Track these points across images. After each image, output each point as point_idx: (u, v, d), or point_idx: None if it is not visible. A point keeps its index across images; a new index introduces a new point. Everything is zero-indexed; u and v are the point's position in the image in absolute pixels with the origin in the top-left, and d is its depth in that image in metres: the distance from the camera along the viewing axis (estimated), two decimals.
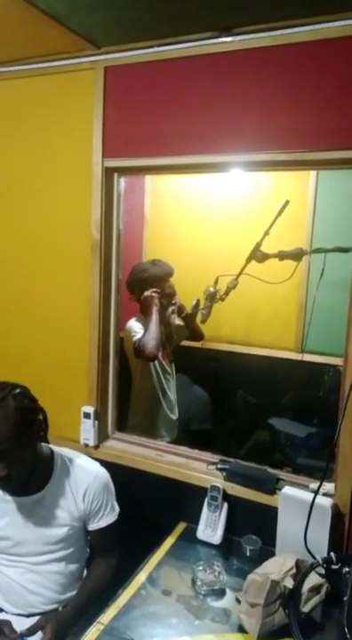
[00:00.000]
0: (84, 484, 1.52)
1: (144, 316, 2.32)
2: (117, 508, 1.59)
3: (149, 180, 2.98)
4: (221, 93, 1.60)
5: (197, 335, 2.62)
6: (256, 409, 2.84)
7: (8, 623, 1.40)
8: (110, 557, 1.59)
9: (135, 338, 2.26)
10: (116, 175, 1.85)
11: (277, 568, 1.30)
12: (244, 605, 1.31)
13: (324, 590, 1.35)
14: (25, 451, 1.39)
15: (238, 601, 1.37)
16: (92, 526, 1.55)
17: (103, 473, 1.59)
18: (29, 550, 1.48)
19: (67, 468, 1.53)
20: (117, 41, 1.71)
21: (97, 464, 1.62)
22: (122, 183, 1.89)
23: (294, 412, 2.73)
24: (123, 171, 1.85)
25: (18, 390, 1.39)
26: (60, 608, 1.51)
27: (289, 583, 1.27)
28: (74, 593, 1.53)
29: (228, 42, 1.57)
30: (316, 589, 1.34)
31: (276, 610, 1.27)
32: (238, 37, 1.55)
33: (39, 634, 1.39)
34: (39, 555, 1.48)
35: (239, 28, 1.54)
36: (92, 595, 1.51)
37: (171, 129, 1.68)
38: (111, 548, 1.59)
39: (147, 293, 2.30)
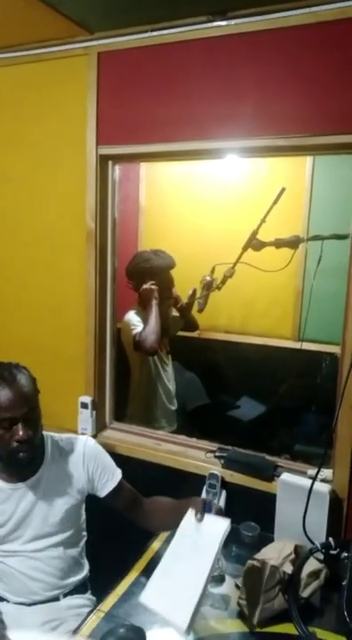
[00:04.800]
0: (80, 453, 1.55)
1: (142, 309, 2.30)
2: (119, 469, 1.59)
3: (144, 169, 2.96)
4: (217, 78, 1.58)
5: (192, 325, 2.61)
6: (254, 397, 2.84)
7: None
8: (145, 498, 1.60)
9: (134, 332, 2.23)
10: (110, 163, 1.84)
11: (276, 554, 1.31)
12: (243, 592, 1.31)
13: (322, 575, 1.36)
14: (39, 416, 1.46)
15: (238, 587, 1.38)
16: (105, 490, 1.54)
17: (92, 441, 1.62)
18: (29, 535, 1.48)
19: (57, 445, 1.56)
20: (110, 26, 1.68)
21: (84, 436, 1.66)
22: (117, 171, 1.88)
23: (292, 400, 2.73)
24: (117, 158, 1.83)
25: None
26: (61, 596, 1.51)
27: (288, 569, 1.28)
28: (75, 579, 1.54)
29: (223, 26, 1.55)
30: (314, 574, 1.35)
31: (276, 595, 1.27)
32: (234, 21, 1.53)
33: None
34: (39, 539, 1.49)
35: (234, 12, 1.52)
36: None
37: (166, 115, 1.67)
38: (139, 498, 1.60)
39: (146, 286, 2.27)
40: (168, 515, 1.49)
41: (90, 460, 1.54)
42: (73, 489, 1.53)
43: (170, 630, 1.22)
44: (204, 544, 1.25)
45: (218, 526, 1.25)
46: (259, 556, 1.33)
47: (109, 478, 1.55)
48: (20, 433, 1.36)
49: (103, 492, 1.55)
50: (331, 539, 1.37)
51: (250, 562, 1.31)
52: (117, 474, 1.57)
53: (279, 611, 1.27)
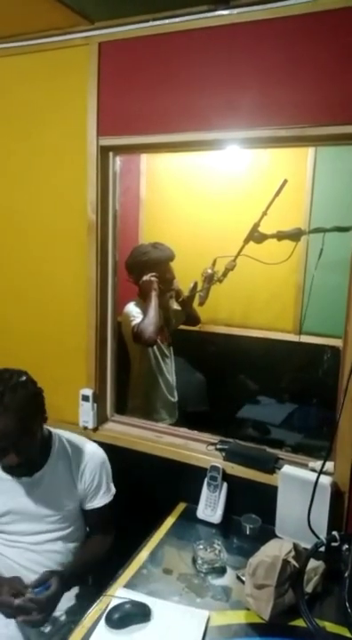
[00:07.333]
0: (82, 464, 1.54)
1: (142, 301, 2.30)
2: (113, 489, 1.61)
3: (145, 161, 2.94)
4: (219, 68, 1.57)
5: (194, 319, 2.61)
6: (254, 391, 2.84)
7: (18, 579, 1.40)
8: (106, 535, 1.62)
9: (134, 323, 2.24)
10: (111, 154, 1.82)
11: (277, 551, 1.28)
12: (249, 587, 1.28)
13: (321, 571, 1.36)
14: (34, 436, 1.43)
15: (239, 579, 1.38)
16: (88, 506, 1.57)
17: (100, 453, 1.61)
18: (28, 529, 1.49)
19: (64, 448, 1.55)
20: (111, 15, 1.66)
21: (95, 444, 1.64)
22: (117, 162, 1.86)
23: (292, 393, 2.74)
24: (118, 149, 1.82)
25: (24, 378, 1.43)
26: None
27: (295, 562, 1.26)
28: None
29: (225, 15, 1.53)
30: (314, 570, 1.35)
31: (287, 590, 1.26)
32: (236, 10, 1.52)
33: None
34: (38, 534, 1.49)
35: (237, 1, 1.50)
36: (89, 563, 1.54)
37: (167, 105, 1.65)
38: (106, 528, 1.62)
39: (146, 278, 2.27)
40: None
41: (89, 472, 1.55)
42: (73, 490, 1.53)
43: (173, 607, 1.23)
44: None
45: None
46: (259, 554, 1.31)
47: (99, 497, 1.57)
48: (8, 461, 1.38)
49: (87, 506, 1.57)
50: (336, 532, 1.36)
51: (256, 557, 1.29)
52: (106, 497, 1.58)
53: (289, 606, 1.26)
